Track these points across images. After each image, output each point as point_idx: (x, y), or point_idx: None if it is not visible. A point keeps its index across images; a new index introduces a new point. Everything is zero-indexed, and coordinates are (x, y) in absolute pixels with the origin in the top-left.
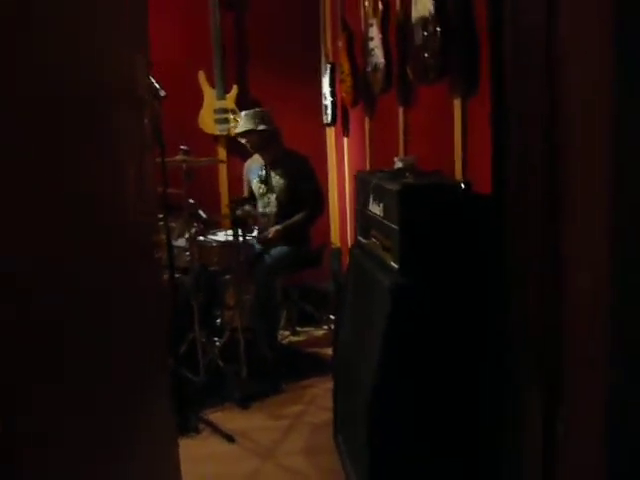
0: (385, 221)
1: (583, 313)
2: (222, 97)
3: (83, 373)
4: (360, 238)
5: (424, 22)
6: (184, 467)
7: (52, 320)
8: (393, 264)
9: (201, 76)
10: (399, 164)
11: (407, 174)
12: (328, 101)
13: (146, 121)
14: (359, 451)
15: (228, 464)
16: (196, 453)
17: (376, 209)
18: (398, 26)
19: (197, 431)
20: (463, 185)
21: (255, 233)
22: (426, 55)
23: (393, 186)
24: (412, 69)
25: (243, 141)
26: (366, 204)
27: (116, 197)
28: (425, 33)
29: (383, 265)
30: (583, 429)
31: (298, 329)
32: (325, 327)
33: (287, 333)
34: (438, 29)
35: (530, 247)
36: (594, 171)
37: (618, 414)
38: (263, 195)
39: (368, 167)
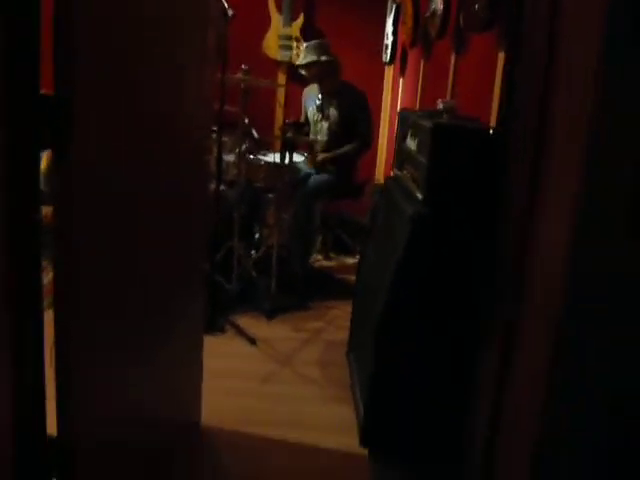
0: (417, 155)
1: (546, 261)
2: (288, 24)
3: (147, 261)
4: (396, 170)
5: None
6: (206, 361)
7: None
8: (418, 195)
9: (270, 1)
10: (440, 106)
11: (444, 115)
12: (389, 40)
13: (211, 37)
14: (365, 366)
15: (247, 363)
16: (219, 350)
17: (412, 144)
18: None
19: (223, 331)
20: (492, 132)
21: (303, 158)
22: (476, 7)
23: (427, 123)
24: (464, 18)
25: (303, 72)
26: (404, 139)
27: (179, 107)
28: None
29: (410, 195)
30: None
31: (331, 255)
32: (357, 257)
33: (320, 257)
34: None
35: (517, 194)
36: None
37: (563, 357)
38: (317, 122)
39: (418, 107)
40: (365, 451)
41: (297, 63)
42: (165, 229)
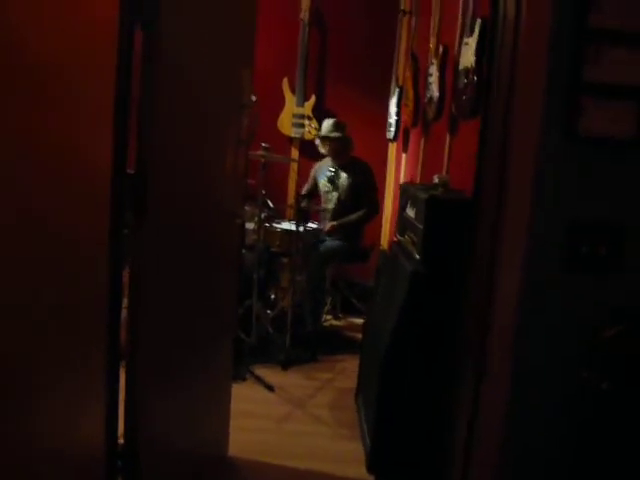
0: (415, 222)
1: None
2: (301, 104)
3: (191, 314)
4: (398, 235)
5: (466, 71)
6: (231, 404)
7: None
8: (416, 255)
9: (285, 83)
10: (436, 180)
11: (439, 188)
12: (393, 119)
13: (245, 122)
14: (371, 404)
15: (266, 406)
16: (242, 395)
17: (411, 212)
18: (454, 69)
19: (244, 379)
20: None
21: (314, 225)
22: (464, 98)
23: (423, 195)
24: (455, 106)
25: (320, 144)
26: (405, 208)
27: (220, 176)
28: (465, 80)
29: (410, 256)
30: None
31: (340, 315)
32: (363, 317)
33: (330, 317)
34: (474, 79)
35: (479, 258)
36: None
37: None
38: (328, 193)
39: (419, 180)
40: (372, 478)
41: (321, 134)
42: (205, 287)
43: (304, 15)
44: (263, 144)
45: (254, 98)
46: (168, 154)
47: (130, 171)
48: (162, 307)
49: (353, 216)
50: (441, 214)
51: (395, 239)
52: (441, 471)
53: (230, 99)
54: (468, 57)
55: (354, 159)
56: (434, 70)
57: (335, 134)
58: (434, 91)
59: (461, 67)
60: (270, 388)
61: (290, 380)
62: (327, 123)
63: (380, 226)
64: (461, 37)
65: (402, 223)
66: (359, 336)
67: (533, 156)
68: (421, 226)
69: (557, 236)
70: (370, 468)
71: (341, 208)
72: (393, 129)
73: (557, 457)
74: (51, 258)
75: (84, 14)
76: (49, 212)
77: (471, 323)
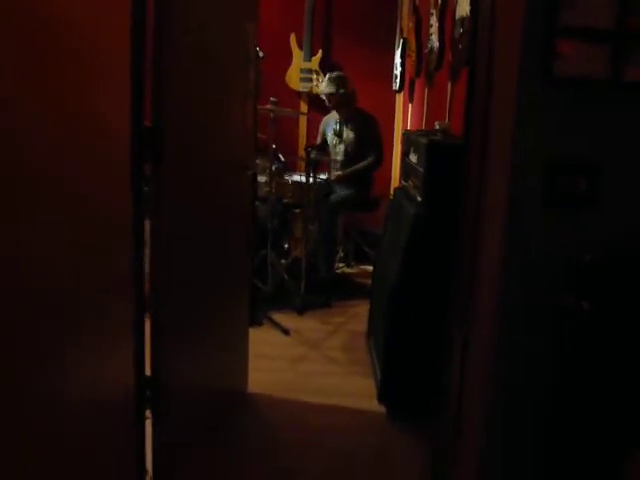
0: (417, 167)
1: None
2: (308, 59)
3: (209, 260)
4: (402, 181)
5: (462, 20)
6: (250, 347)
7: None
8: (419, 198)
9: (292, 39)
10: (437, 126)
11: (439, 134)
12: (398, 71)
13: (251, 75)
14: (380, 341)
15: (282, 348)
16: (260, 338)
17: (413, 158)
18: (452, 19)
19: (261, 324)
20: None
21: (324, 176)
22: (460, 47)
23: (424, 141)
24: (453, 55)
25: (324, 98)
26: (407, 154)
27: (231, 129)
28: (461, 30)
29: (413, 200)
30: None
31: (352, 263)
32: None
33: (342, 265)
34: (460, 30)
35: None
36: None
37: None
38: (335, 145)
39: (424, 128)
40: (383, 409)
41: (320, 91)
42: (220, 237)
43: None
44: (272, 98)
45: (261, 54)
46: (181, 107)
47: (147, 124)
48: (181, 255)
49: (359, 165)
50: (440, 157)
51: (400, 185)
52: (441, 399)
53: (237, 52)
54: (464, 6)
55: (359, 111)
56: (434, 21)
57: (329, 90)
58: (434, 41)
59: (457, 17)
60: (286, 332)
61: (305, 324)
62: (325, 79)
63: (390, 176)
64: None
65: (406, 169)
66: (370, 283)
67: (513, 98)
68: (422, 170)
69: (537, 173)
70: (380, 399)
71: (348, 159)
72: (399, 80)
73: (544, 383)
74: (80, 211)
75: None
76: (74, 165)
77: (463, 257)
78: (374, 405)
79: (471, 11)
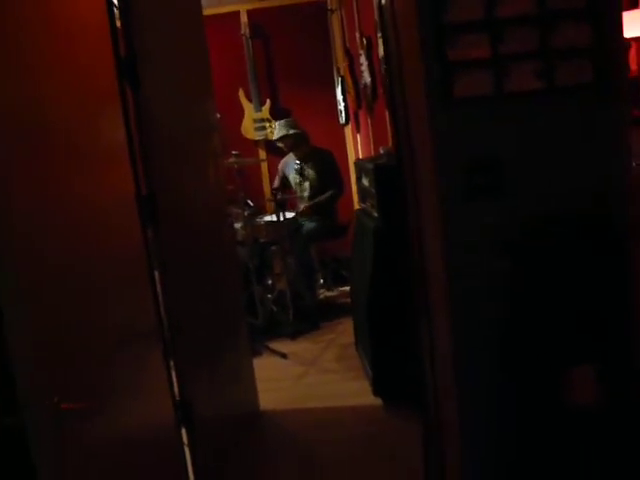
0: (370, 188)
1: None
2: (259, 109)
3: (211, 302)
4: (361, 203)
5: (384, 59)
6: (255, 373)
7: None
8: (376, 214)
9: (241, 93)
10: (381, 151)
11: (384, 158)
12: (342, 106)
13: (216, 138)
14: (367, 344)
15: (284, 370)
16: (261, 365)
17: (366, 182)
18: (378, 57)
19: (261, 354)
20: None
21: (292, 213)
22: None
23: (371, 166)
24: (383, 88)
25: (279, 144)
26: (360, 179)
27: (207, 185)
28: (384, 67)
29: (372, 217)
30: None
31: (332, 287)
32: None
33: (323, 290)
34: (384, 67)
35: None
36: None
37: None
38: (300, 183)
39: (373, 154)
40: (379, 402)
41: (274, 138)
42: (214, 280)
43: (245, 30)
44: (233, 152)
45: (218, 115)
46: (166, 176)
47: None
48: (188, 299)
49: (322, 197)
50: (387, 177)
51: (360, 207)
52: (420, 377)
53: (203, 124)
54: (381, 47)
55: (315, 149)
56: (363, 59)
57: (283, 132)
58: (367, 77)
59: (380, 56)
60: (284, 356)
61: (299, 347)
62: (276, 126)
63: (352, 202)
64: (376, 30)
65: (362, 192)
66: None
67: (425, 118)
68: (374, 190)
69: (454, 175)
70: (375, 392)
71: (313, 194)
72: (344, 114)
73: (493, 329)
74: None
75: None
76: (111, 225)
77: (413, 250)
78: (371, 399)
79: (384, 55)
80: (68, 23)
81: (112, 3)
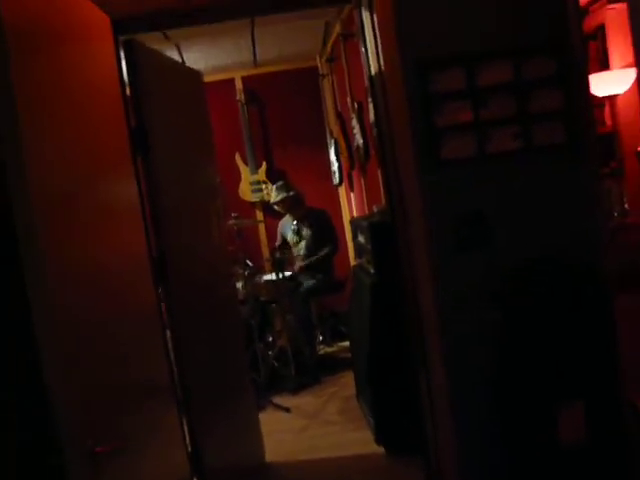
0: (366, 245)
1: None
2: (255, 172)
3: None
4: (357, 259)
5: (374, 124)
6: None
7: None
8: (372, 270)
9: (237, 157)
10: (375, 210)
11: (377, 216)
12: (335, 167)
13: (219, 202)
14: (368, 396)
15: (287, 423)
16: (266, 419)
17: (361, 239)
18: (369, 120)
19: (264, 408)
20: None
21: (289, 272)
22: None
23: (365, 224)
24: (375, 150)
25: (276, 207)
26: (356, 237)
27: (212, 246)
28: (375, 130)
29: (368, 272)
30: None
31: (331, 343)
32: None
33: (323, 346)
34: (375, 131)
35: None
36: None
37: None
38: (297, 243)
39: (367, 212)
40: (381, 450)
41: (271, 202)
42: (221, 336)
43: (240, 97)
44: (233, 214)
45: (218, 179)
46: (176, 238)
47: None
48: (197, 355)
49: (318, 255)
50: (381, 234)
51: (356, 263)
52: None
53: (207, 188)
54: (372, 112)
55: (310, 209)
56: (355, 123)
57: (281, 196)
58: (359, 139)
59: (371, 120)
60: (287, 410)
61: (302, 400)
62: (273, 189)
63: (348, 259)
64: (367, 95)
65: (358, 249)
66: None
67: (415, 179)
68: (370, 247)
69: (444, 228)
70: (378, 441)
71: (310, 252)
72: (337, 175)
73: (488, 380)
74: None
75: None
76: (128, 285)
77: (408, 302)
78: (373, 448)
79: (375, 120)
80: (86, 97)
81: (124, 82)
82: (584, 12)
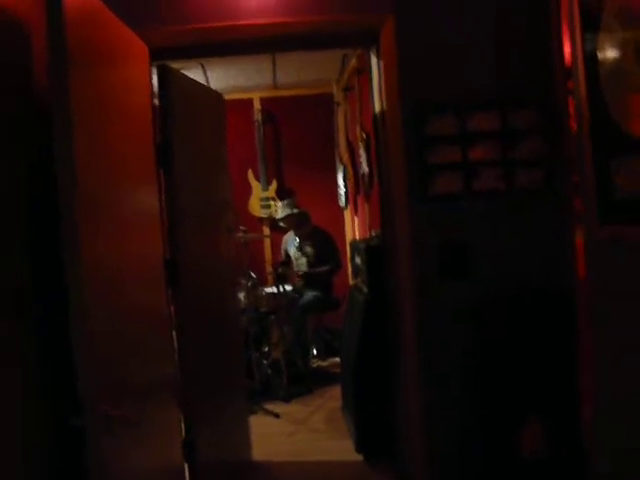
0: (362, 266)
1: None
2: (265, 189)
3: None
4: (354, 279)
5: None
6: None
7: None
8: (365, 289)
9: (250, 174)
10: (373, 234)
11: (375, 240)
12: (342, 190)
13: (230, 214)
14: (351, 406)
15: (276, 427)
16: (256, 423)
17: (358, 260)
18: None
19: (255, 413)
20: None
21: (290, 287)
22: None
23: (362, 246)
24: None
25: (282, 224)
26: (354, 258)
27: (221, 256)
28: (376, 162)
29: (362, 291)
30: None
31: (324, 357)
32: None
33: (316, 360)
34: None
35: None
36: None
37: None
38: (298, 259)
39: (368, 235)
40: (361, 458)
41: (278, 217)
42: (223, 339)
43: (257, 116)
44: (241, 227)
45: (231, 194)
46: (188, 246)
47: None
48: (199, 355)
49: (319, 269)
50: (376, 257)
51: (353, 283)
52: (396, 436)
53: (220, 202)
54: None
55: (315, 228)
56: (362, 152)
57: (287, 212)
58: (365, 168)
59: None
60: (277, 416)
61: (291, 408)
62: (280, 206)
63: (347, 280)
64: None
65: (355, 269)
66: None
67: (406, 211)
68: (365, 268)
69: (430, 256)
70: (358, 449)
71: (311, 269)
72: (344, 198)
73: (461, 396)
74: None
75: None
76: (143, 291)
77: (395, 322)
78: (354, 456)
79: (376, 155)
80: (124, 114)
81: (154, 106)
82: (569, 72)
